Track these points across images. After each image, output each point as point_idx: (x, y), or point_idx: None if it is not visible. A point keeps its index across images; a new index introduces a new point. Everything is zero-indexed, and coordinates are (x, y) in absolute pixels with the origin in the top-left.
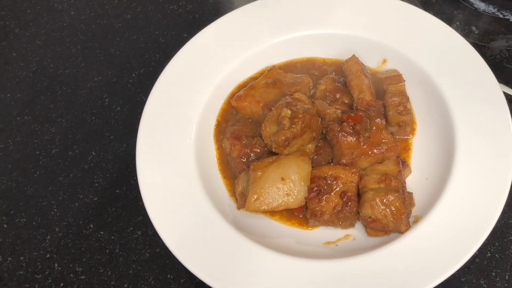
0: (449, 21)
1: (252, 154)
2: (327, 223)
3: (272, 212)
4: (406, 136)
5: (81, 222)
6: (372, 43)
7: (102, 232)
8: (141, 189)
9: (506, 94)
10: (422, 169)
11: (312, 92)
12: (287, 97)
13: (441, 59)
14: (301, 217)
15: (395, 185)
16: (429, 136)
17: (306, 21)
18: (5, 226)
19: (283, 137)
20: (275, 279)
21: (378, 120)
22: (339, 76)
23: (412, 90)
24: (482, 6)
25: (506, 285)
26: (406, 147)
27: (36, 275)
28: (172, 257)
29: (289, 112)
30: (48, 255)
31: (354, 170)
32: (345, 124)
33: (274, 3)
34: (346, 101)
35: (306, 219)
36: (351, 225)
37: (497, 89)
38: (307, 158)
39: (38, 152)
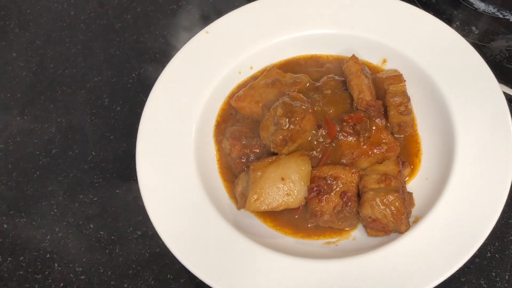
0: (449, 21)
1: (251, 155)
2: (327, 223)
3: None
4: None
5: (81, 222)
6: (372, 43)
7: (102, 232)
8: (141, 189)
9: (506, 94)
10: (422, 169)
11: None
12: (284, 97)
13: (441, 59)
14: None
15: (395, 185)
16: (429, 136)
17: (305, 21)
18: (5, 226)
19: (280, 137)
20: (275, 279)
21: (378, 120)
22: (339, 76)
23: (411, 90)
24: (482, 6)
25: (506, 285)
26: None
27: (36, 275)
28: (172, 257)
29: (283, 111)
30: (48, 255)
31: (354, 170)
32: (345, 124)
33: (274, 3)
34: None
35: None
36: (351, 225)
37: (497, 89)
38: (307, 158)
39: (38, 152)
